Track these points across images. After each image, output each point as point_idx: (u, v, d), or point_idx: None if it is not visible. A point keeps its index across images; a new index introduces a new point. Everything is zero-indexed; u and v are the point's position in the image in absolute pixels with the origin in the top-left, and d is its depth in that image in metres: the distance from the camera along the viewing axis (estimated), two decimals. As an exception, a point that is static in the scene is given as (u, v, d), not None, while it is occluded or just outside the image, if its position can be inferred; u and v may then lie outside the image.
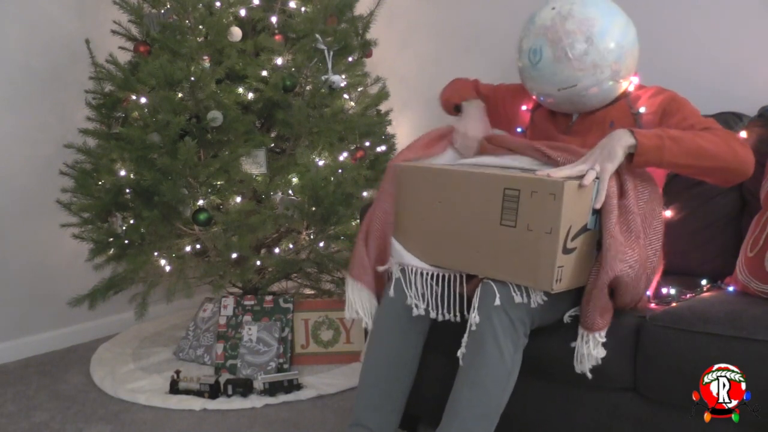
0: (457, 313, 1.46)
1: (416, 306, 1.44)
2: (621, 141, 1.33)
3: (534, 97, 1.69)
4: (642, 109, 1.54)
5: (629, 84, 1.58)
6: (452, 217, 1.39)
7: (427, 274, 1.46)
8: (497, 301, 1.30)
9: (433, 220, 1.42)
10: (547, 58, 1.50)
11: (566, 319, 1.42)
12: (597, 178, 1.30)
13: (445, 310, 1.46)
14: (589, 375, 1.35)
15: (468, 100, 1.74)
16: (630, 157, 1.36)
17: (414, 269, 1.46)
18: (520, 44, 1.59)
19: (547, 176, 1.26)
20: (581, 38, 1.46)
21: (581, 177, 1.29)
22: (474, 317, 1.33)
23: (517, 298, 1.31)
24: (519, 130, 1.77)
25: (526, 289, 1.32)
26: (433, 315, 1.46)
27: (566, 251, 1.25)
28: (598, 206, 1.30)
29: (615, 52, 1.48)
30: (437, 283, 1.46)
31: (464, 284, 1.46)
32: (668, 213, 1.69)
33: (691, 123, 1.45)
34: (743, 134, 1.70)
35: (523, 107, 1.76)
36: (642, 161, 1.35)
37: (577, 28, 1.47)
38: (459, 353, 1.35)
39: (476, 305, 1.34)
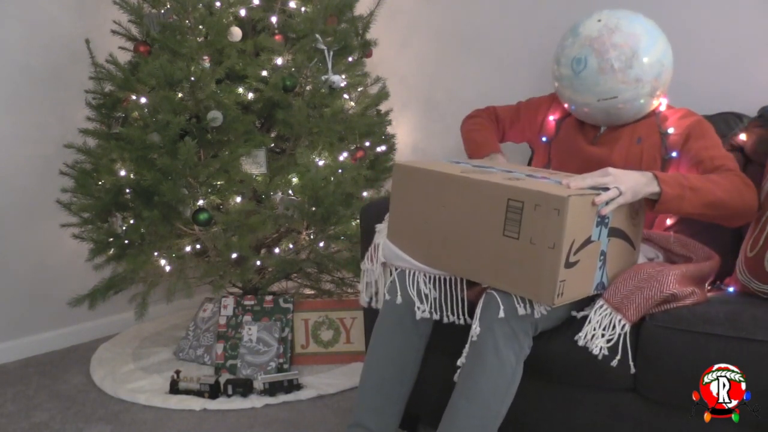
0: (461, 316, 1.45)
1: (419, 308, 1.43)
2: (648, 187, 1.36)
3: (564, 107, 1.72)
4: (670, 130, 1.58)
5: (659, 103, 1.63)
6: (454, 223, 1.35)
7: (427, 276, 1.44)
8: (501, 314, 1.29)
9: (435, 224, 1.39)
10: (592, 68, 1.53)
11: (578, 315, 1.39)
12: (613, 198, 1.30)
13: (449, 312, 1.45)
14: (599, 356, 1.32)
15: (490, 156, 1.77)
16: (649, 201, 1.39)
17: (413, 271, 1.45)
18: (560, 53, 1.61)
19: (567, 186, 1.26)
20: (628, 52, 1.51)
21: (600, 189, 1.29)
22: (475, 328, 1.32)
23: (521, 310, 1.29)
24: (544, 139, 1.79)
25: (529, 300, 1.30)
26: (436, 317, 1.45)
27: (569, 265, 1.23)
28: (603, 213, 1.28)
29: (656, 68, 1.53)
30: (435, 287, 1.44)
31: (464, 288, 1.46)
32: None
33: (711, 155, 1.50)
34: (742, 136, 1.71)
35: (551, 117, 1.79)
36: (663, 209, 1.38)
37: (624, 42, 1.51)
38: (459, 363, 1.34)
39: (478, 316, 1.32)
